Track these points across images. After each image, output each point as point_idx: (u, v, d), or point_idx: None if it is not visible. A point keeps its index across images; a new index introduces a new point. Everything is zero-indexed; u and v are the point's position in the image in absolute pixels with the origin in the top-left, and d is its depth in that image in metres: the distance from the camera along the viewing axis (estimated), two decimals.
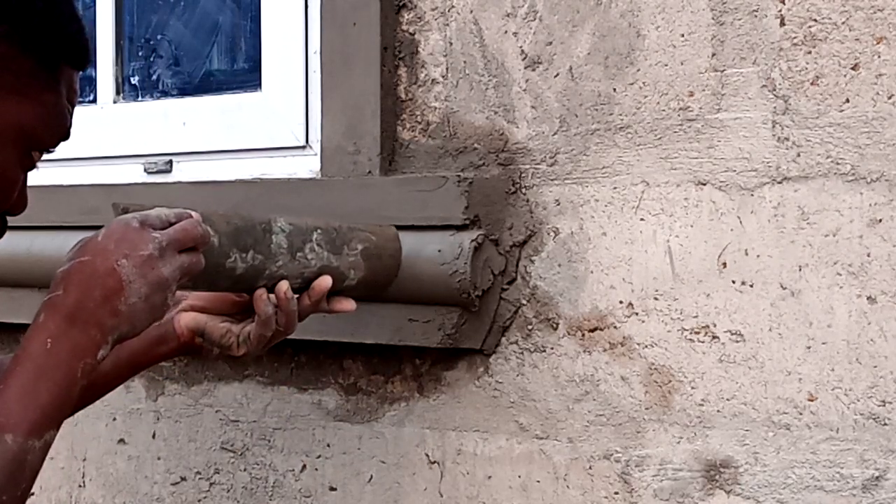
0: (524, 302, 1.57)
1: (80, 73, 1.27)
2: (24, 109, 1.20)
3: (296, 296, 1.40)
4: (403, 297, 1.57)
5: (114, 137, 2.04)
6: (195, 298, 1.44)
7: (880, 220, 1.35)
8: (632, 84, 1.49)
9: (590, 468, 1.52)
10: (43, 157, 1.25)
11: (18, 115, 1.20)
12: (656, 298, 1.48)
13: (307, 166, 1.79)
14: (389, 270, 1.54)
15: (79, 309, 1.16)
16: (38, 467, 1.13)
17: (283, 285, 1.38)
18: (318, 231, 1.44)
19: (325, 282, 1.42)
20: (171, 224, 1.23)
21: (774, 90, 1.40)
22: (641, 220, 1.49)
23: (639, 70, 1.49)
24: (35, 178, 1.30)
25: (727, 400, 1.43)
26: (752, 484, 1.42)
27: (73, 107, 1.25)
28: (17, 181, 1.23)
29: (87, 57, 1.26)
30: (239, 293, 1.41)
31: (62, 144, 1.27)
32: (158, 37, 2.06)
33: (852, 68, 1.36)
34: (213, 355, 1.45)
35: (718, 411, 1.44)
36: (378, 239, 1.52)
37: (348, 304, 1.46)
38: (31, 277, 1.90)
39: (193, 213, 1.26)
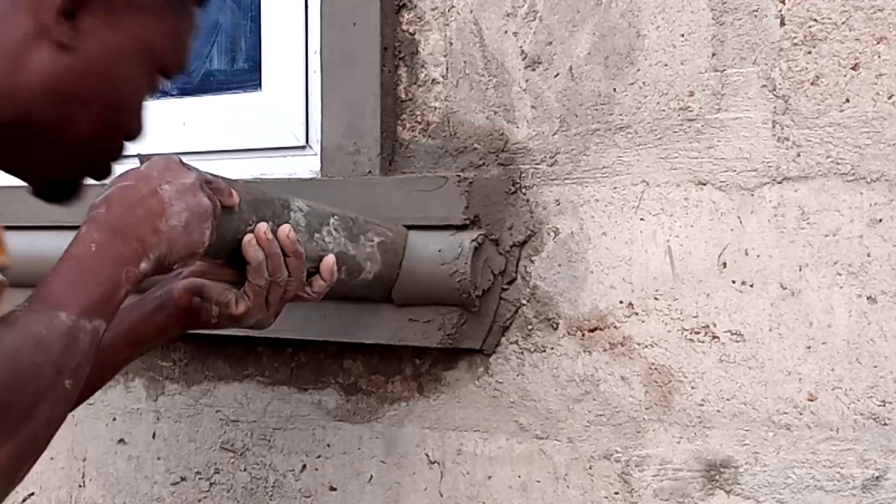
0: (524, 302, 1.57)
1: (200, 9, 1.31)
2: (157, 30, 1.24)
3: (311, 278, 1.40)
4: (403, 297, 1.57)
5: None
6: (196, 266, 1.42)
7: (880, 220, 1.35)
8: (632, 84, 1.49)
9: (590, 468, 1.52)
10: None
11: (152, 34, 1.24)
12: (656, 298, 1.48)
13: (307, 166, 1.79)
14: (398, 270, 1.54)
15: (121, 224, 1.19)
16: (89, 350, 1.14)
17: (286, 228, 1.36)
18: (335, 217, 1.44)
19: (329, 260, 1.42)
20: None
21: (774, 90, 1.40)
22: (641, 220, 1.49)
23: (639, 70, 1.49)
24: None
25: (727, 400, 1.43)
26: (752, 484, 1.42)
27: (192, 42, 1.30)
28: (145, 99, 1.27)
29: None
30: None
31: None
32: None
33: (852, 68, 1.36)
34: (212, 318, 1.39)
35: (718, 411, 1.44)
36: (393, 235, 1.52)
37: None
38: (31, 277, 1.89)
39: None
